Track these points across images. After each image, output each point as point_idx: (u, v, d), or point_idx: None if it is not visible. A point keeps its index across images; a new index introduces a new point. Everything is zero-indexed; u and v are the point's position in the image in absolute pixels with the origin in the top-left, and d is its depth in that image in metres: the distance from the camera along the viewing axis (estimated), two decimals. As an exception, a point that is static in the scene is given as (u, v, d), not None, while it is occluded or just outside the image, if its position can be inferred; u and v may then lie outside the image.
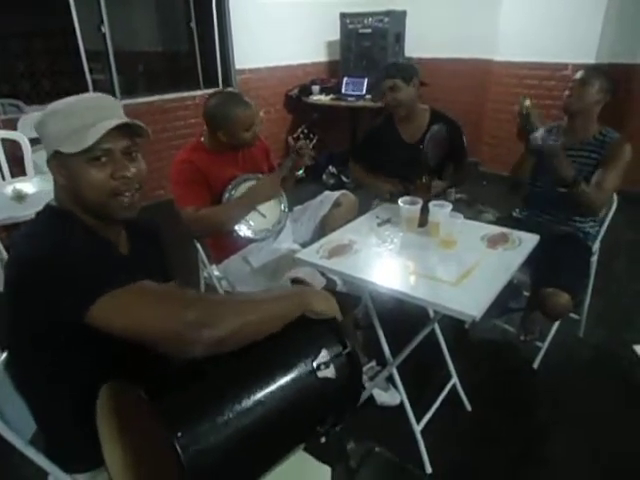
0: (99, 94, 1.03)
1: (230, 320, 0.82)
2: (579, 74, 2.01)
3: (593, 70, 2.04)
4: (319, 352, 0.91)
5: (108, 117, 0.94)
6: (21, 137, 3.08)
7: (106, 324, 0.83)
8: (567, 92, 2.02)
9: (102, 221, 1.01)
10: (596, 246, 2.12)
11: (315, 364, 0.89)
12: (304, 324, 0.93)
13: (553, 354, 2.23)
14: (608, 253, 2.12)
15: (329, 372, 0.90)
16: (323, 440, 0.95)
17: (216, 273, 2.09)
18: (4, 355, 1.03)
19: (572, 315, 2.25)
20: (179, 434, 0.73)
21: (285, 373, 0.87)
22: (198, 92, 4.58)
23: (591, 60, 4.12)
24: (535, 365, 2.21)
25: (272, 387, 0.85)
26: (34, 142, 3.11)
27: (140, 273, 0.89)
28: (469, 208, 2.18)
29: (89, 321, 0.82)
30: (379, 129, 2.41)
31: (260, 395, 0.83)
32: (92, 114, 0.94)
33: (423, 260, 1.60)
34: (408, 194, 1.93)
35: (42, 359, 0.93)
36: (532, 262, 1.73)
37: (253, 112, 1.93)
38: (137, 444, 0.92)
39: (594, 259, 2.12)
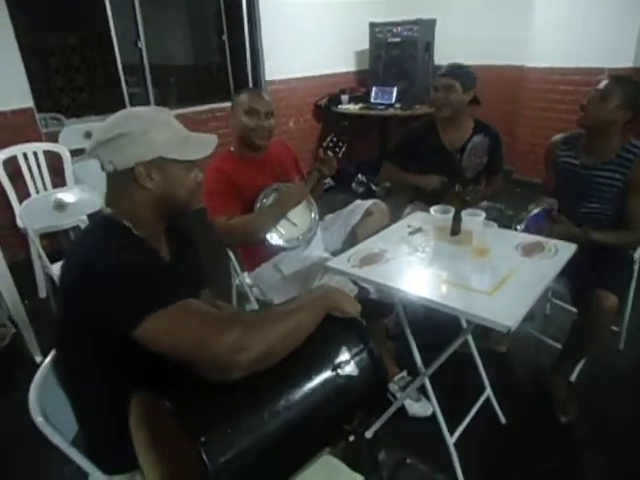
0: (157, 107, 1.19)
1: (264, 340, 0.86)
2: (602, 85, 1.85)
3: (617, 84, 1.84)
4: (340, 350, 0.93)
5: (184, 129, 1.08)
6: (62, 149, 3.22)
7: (150, 343, 0.87)
8: (585, 102, 1.87)
9: (156, 226, 1.09)
10: (637, 254, 2.04)
11: (336, 362, 0.91)
12: (323, 323, 0.95)
13: (591, 366, 2.15)
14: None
15: (351, 369, 0.91)
16: (352, 439, 0.95)
17: (248, 281, 2.12)
18: (51, 355, 1.08)
19: (611, 327, 2.17)
20: (202, 439, 0.75)
21: (308, 375, 0.88)
22: (229, 103, 4.64)
23: (629, 64, 4.00)
24: (572, 378, 2.14)
25: (297, 390, 0.86)
26: (74, 154, 3.24)
27: (182, 281, 0.95)
28: (502, 215, 2.14)
29: (135, 337, 0.87)
30: (419, 132, 2.38)
31: (285, 399, 0.84)
32: (179, 127, 1.07)
33: (456, 269, 1.58)
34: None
35: (84, 356, 0.98)
36: (571, 272, 1.67)
37: (261, 99, 2.01)
38: (169, 455, 0.93)
39: (636, 267, 2.05)
